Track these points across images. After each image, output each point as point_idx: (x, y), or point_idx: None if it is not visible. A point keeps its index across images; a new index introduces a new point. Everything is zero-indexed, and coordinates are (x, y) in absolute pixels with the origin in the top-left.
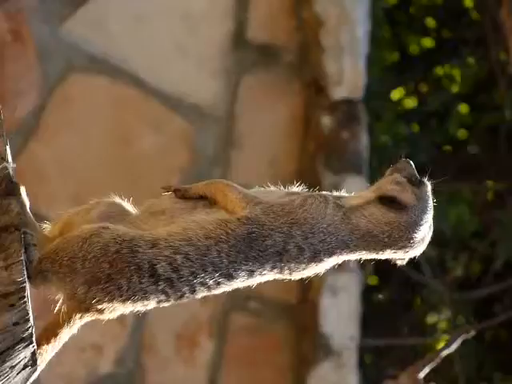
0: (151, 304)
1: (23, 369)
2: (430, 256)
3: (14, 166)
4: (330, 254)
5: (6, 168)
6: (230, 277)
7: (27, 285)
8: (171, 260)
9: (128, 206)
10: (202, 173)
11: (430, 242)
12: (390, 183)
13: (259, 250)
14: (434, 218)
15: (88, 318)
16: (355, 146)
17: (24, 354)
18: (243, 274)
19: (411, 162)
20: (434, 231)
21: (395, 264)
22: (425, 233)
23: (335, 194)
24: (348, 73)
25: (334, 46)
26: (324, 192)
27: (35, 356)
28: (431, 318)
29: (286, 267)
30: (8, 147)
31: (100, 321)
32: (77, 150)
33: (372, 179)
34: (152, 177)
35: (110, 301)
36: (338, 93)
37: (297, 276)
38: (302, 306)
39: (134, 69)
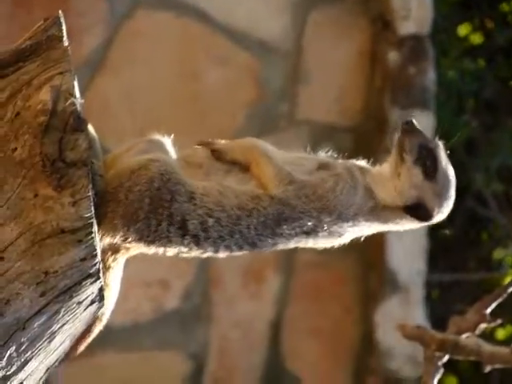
0: (171, 252)
1: (90, 304)
2: (497, 191)
3: (82, 101)
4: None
5: (73, 103)
6: (253, 245)
7: (95, 220)
8: (203, 220)
9: (169, 146)
10: (269, 108)
11: (496, 177)
12: (409, 187)
13: (287, 228)
14: (501, 153)
15: (120, 257)
16: (422, 81)
17: (91, 290)
18: (267, 244)
19: (417, 129)
20: (500, 166)
21: (461, 199)
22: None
23: (359, 164)
24: (415, 8)
25: None
26: (351, 164)
27: (102, 292)
28: (498, 253)
29: (310, 241)
30: (75, 82)
31: (166, 257)
32: (143, 85)
33: (439, 114)
34: (218, 111)
35: (139, 240)
36: (405, 28)
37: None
38: (368, 242)
39: (200, 4)
